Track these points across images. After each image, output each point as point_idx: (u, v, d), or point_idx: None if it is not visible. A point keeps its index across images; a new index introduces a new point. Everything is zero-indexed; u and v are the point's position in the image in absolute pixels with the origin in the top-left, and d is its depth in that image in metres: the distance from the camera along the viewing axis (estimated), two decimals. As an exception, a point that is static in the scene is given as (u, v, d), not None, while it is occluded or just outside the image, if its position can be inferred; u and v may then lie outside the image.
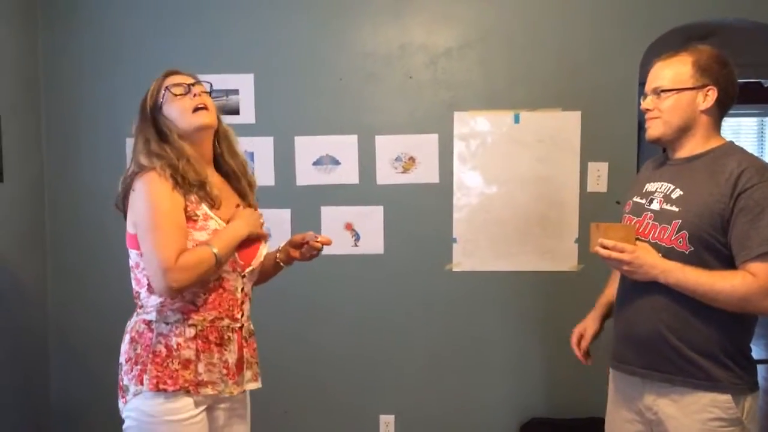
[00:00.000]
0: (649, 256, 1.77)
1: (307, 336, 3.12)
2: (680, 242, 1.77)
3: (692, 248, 1.75)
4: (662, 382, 1.82)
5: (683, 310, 1.77)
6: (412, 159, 3.06)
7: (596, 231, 1.82)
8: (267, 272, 2.04)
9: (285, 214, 3.05)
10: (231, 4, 3.05)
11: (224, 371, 1.81)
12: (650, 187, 1.92)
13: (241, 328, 1.86)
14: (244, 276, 1.87)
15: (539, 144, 3.01)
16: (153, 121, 1.81)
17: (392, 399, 3.13)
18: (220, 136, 1.91)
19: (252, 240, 1.88)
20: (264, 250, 1.93)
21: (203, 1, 3.06)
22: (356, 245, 3.09)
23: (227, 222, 1.82)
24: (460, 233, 3.06)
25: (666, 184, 1.87)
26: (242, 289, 1.87)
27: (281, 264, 2.05)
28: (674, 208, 1.80)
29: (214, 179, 1.87)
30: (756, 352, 2.06)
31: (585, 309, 2.90)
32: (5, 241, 2.85)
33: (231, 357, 1.82)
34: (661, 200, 1.85)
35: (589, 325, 2.13)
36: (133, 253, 1.80)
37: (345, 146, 3.06)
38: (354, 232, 3.09)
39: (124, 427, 1.80)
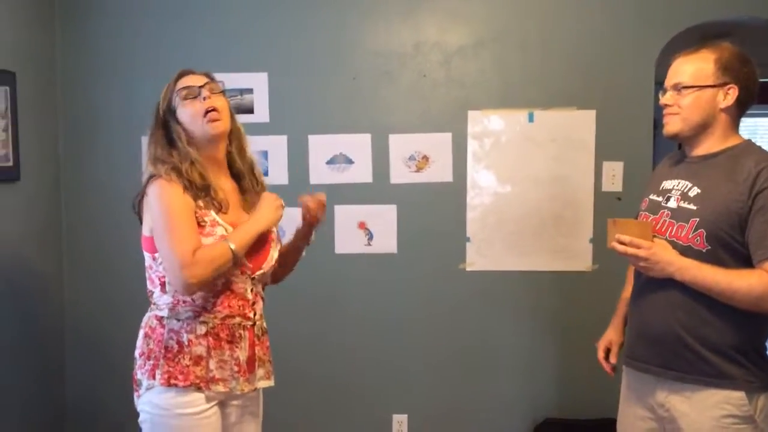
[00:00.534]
0: (666, 252, 1.76)
1: (321, 335, 3.13)
2: (697, 240, 1.76)
3: (709, 246, 1.74)
4: (675, 379, 1.81)
5: (698, 307, 1.75)
6: (425, 158, 3.06)
7: (613, 227, 1.82)
8: (286, 264, 2.05)
9: (298, 213, 3.04)
10: (246, 4, 3.06)
11: (236, 368, 1.81)
12: (667, 184, 1.90)
13: (253, 325, 1.86)
14: (253, 278, 1.87)
15: (553, 143, 3.00)
16: (164, 125, 1.83)
17: (405, 398, 3.12)
18: (232, 134, 1.92)
19: (262, 242, 1.87)
20: (275, 253, 1.92)
21: (218, 1, 3.07)
22: (369, 244, 3.09)
23: (233, 225, 1.81)
24: (473, 232, 3.06)
25: (683, 181, 1.85)
26: (252, 290, 1.87)
27: (300, 245, 2.05)
28: (692, 206, 1.79)
29: (224, 182, 1.88)
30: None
31: (599, 309, 2.88)
32: (22, 238, 2.88)
33: (242, 354, 1.83)
34: (678, 198, 1.83)
35: (614, 338, 2.12)
36: (147, 255, 1.83)
37: (359, 145, 3.06)
38: (367, 231, 3.09)
39: (139, 420, 1.82)
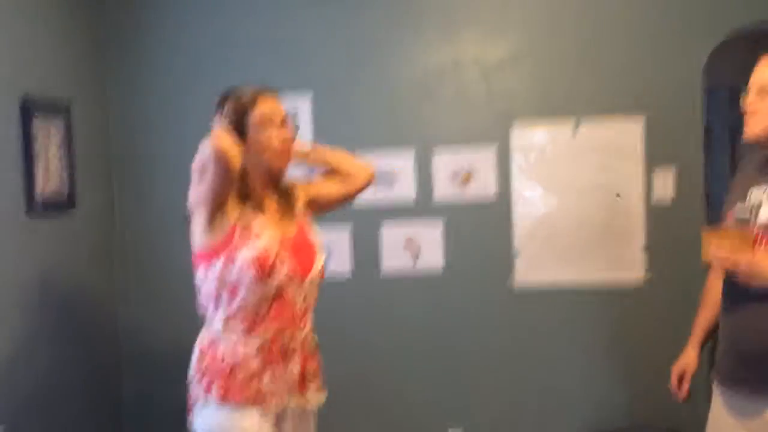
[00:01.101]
0: None
1: (374, 347, 3.13)
2: None
3: None
4: None
5: None
6: (469, 173, 3.05)
7: (709, 238, 1.74)
8: (342, 171, 2.11)
9: (344, 231, 3.09)
10: (291, 24, 3.12)
11: (289, 383, 1.82)
12: (755, 194, 1.79)
13: (304, 340, 1.88)
14: (304, 285, 1.87)
15: (600, 152, 2.95)
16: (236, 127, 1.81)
17: (461, 411, 3.09)
18: None
19: (308, 248, 1.89)
20: (321, 259, 1.93)
21: (261, 20, 3.13)
22: (416, 262, 3.08)
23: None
24: (521, 247, 3.02)
25: None
26: (304, 299, 1.87)
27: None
28: None
29: (269, 195, 1.89)
30: None
31: (653, 325, 2.81)
32: (78, 262, 2.97)
33: (295, 369, 1.84)
34: None
35: (690, 363, 2.05)
36: (199, 272, 1.84)
37: (402, 162, 3.07)
38: (414, 247, 3.08)
39: (195, 438, 1.84)
